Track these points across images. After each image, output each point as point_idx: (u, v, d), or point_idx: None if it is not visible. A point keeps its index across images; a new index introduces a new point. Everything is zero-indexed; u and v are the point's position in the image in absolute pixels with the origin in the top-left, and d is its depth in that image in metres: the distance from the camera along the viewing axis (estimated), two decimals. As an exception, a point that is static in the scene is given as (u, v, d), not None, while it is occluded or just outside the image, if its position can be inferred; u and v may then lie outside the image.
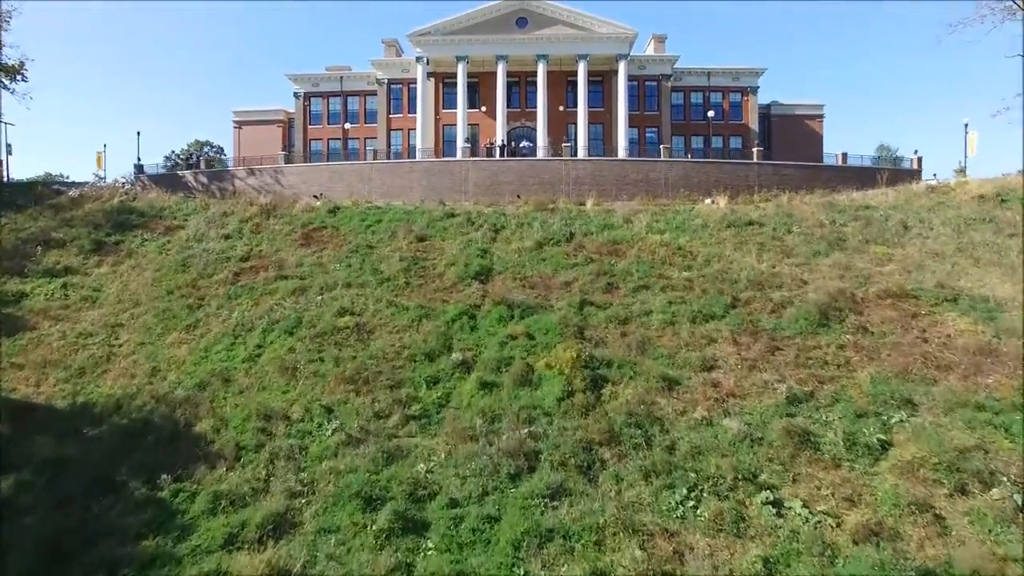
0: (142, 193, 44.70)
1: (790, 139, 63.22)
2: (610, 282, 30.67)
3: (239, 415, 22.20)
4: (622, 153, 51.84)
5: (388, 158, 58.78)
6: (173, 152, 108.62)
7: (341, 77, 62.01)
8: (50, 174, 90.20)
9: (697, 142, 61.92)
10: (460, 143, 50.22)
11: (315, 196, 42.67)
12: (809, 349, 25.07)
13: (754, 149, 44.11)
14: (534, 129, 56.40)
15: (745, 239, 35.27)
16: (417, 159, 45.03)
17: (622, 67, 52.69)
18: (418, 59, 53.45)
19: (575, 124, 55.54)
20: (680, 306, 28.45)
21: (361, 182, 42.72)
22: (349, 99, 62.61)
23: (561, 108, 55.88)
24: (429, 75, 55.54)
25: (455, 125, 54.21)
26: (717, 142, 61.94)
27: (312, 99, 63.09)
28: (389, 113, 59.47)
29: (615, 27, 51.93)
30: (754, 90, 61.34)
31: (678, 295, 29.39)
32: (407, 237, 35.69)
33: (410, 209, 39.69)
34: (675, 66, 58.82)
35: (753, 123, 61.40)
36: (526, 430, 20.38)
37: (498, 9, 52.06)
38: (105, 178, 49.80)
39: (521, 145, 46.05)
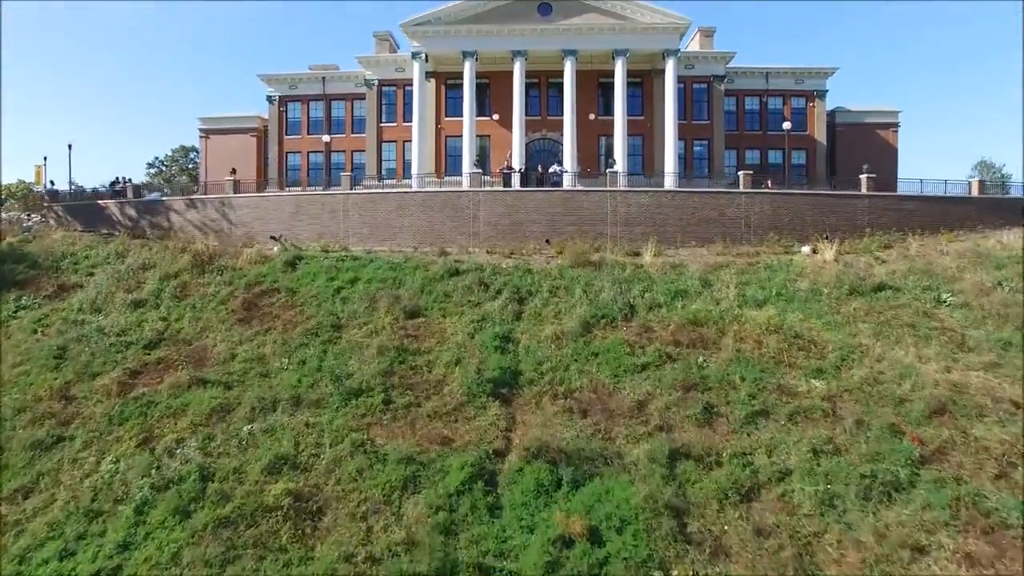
0: (47, 230, 33.02)
1: (859, 153, 51.19)
2: (708, 404, 18.90)
3: None
4: (670, 176, 40.02)
5: (379, 177, 47.19)
6: (157, 159, 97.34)
7: (323, 78, 50.07)
8: (23, 181, 78.70)
9: (752, 157, 50.00)
10: (467, 165, 38.52)
11: (273, 237, 30.98)
12: (1114, 581, 13.35)
13: (863, 176, 32.23)
14: (557, 142, 44.58)
15: (884, 317, 23.42)
16: (411, 188, 32.92)
17: (670, 66, 40.78)
18: (415, 55, 41.54)
19: (610, 137, 43.67)
20: (833, 460, 16.72)
21: (334, 219, 31.00)
22: (333, 104, 50.70)
23: (592, 116, 43.97)
24: (428, 75, 43.71)
25: (460, 136, 42.38)
26: (775, 157, 50.06)
27: (289, 104, 51.20)
28: (379, 121, 47.50)
29: (663, 15, 40.02)
30: (822, 94, 49.40)
31: (822, 433, 17.63)
32: (391, 311, 23.92)
33: (398, 261, 27.92)
34: (728, 65, 46.97)
35: (820, 134, 49.52)
36: None
37: (512, -10, 40.30)
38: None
39: (551, 170, 34.17)
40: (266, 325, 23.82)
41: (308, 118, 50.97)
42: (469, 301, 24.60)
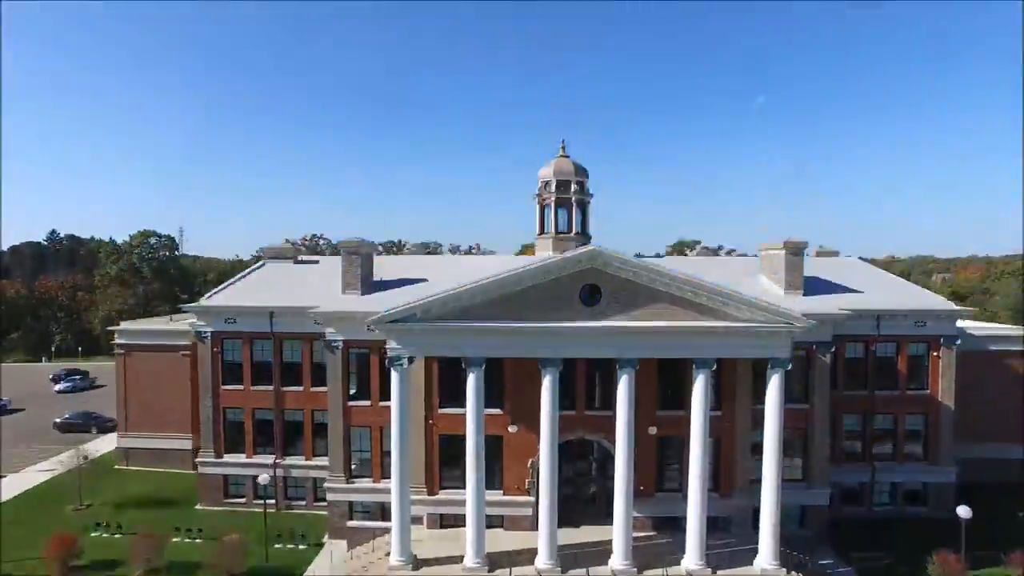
0: None
1: (979, 391, 37.39)
2: None
3: None
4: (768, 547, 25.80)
5: (348, 475, 32.59)
6: (127, 244, 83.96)
7: (271, 313, 35.10)
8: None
9: (850, 423, 35.71)
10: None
11: None
12: None
13: None
14: (590, 455, 30.28)
15: None
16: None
17: (775, 383, 26.34)
18: (394, 361, 26.54)
19: (669, 439, 29.72)
20: None
21: None
22: (286, 344, 35.82)
23: (652, 431, 29.53)
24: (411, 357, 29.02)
25: (461, 435, 27.70)
26: (883, 422, 35.85)
27: (226, 341, 36.23)
28: (346, 399, 32.31)
29: (771, 313, 25.47)
30: (950, 341, 35.07)
31: None
32: None
33: None
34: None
35: (947, 394, 35.25)
36: None
37: (545, 273, 25.55)
38: None
39: None
40: None
41: (252, 363, 36.05)
42: None
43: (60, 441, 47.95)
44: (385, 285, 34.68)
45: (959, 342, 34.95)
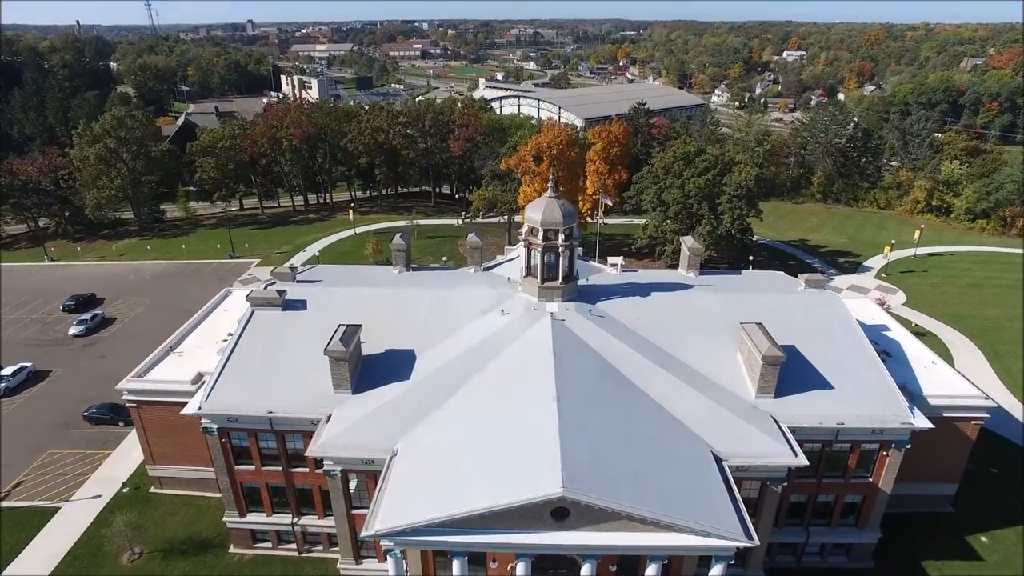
0: None
1: (919, 450, 41.79)
2: None
3: None
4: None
5: (356, 561, 38.87)
6: (102, 128, 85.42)
7: (270, 419, 38.04)
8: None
9: (795, 498, 40.87)
10: None
11: None
12: None
13: None
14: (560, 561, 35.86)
15: None
16: None
17: (718, 570, 30.56)
18: (388, 552, 30.74)
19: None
20: None
21: None
22: (288, 436, 39.38)
23: (612, 568, 34.50)
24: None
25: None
26: (825, 497, 40.97)
27: (233, 433, 39.74)
28: (350, 509, 37.28)
29: (719, 530, 28.63)
30: (901, 445, 38.36)
31: None
32: None
33: None
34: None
35: (886, 484, 39.78)
36: None
37: (521, 506, 28.14)
38: None
39: None
40: None
41: (259, 449, 40.11)
42: None
43: (91, 440, 54.16)
44: (375, 370, 39.27)
45: (908, 446, 38.32)
